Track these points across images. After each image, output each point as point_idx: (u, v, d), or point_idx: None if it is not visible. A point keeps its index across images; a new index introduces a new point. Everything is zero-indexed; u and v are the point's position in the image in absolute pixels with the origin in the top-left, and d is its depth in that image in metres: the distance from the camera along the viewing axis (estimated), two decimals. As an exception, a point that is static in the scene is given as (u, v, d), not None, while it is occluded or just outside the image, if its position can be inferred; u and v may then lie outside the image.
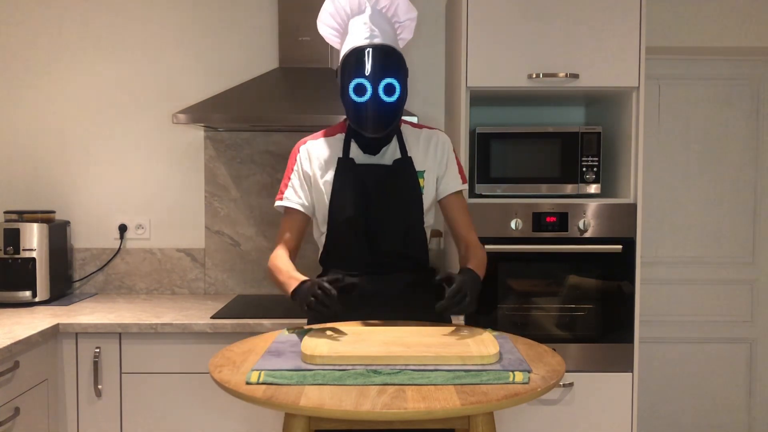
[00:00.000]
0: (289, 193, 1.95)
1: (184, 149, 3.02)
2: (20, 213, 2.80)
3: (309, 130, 2.89)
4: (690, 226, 3.20)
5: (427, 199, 1.94)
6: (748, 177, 3.19)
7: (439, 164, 1.95)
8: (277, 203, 1.96)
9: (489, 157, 2.58)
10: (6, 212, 2.83)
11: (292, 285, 1.75)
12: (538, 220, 2.46)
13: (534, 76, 2.43)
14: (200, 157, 3.01)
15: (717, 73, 3.16)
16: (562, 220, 2.46)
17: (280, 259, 1.88)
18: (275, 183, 3.00)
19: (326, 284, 1.64)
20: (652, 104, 3.16)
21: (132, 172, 3.02)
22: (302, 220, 1.96)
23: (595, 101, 2.85)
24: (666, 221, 3.20)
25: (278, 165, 3.00)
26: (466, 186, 2.00)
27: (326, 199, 1.90)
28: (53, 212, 2.91)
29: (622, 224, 2.47)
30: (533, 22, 2.43)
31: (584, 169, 2.57)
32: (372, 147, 1.90)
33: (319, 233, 1.98)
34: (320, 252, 2.00)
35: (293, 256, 1.94)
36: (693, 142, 3.18)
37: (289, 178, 1.95)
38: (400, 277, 1.92)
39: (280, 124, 2.71)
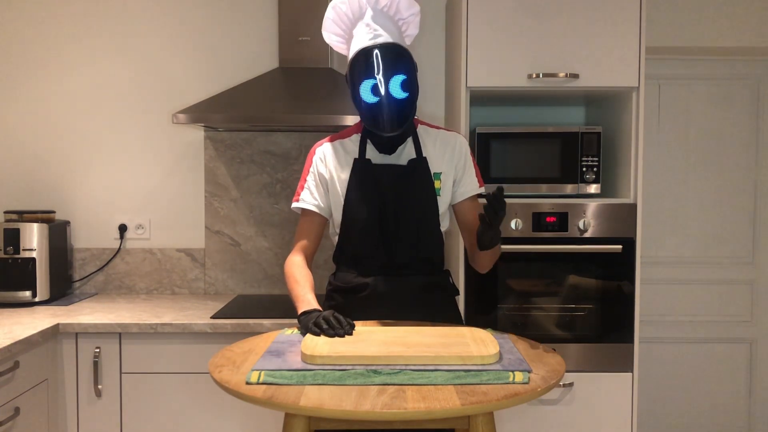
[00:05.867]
0: (305, 194, 1.95)
1: (184, 149, 3.02)
2: (20, 213, 2.80)
3: (309, 130, 2.92)
4: (690, 226, 3.20)
5: (443, 201, 1.94)
6: (748, 177, 3.19)
7: (456, 167, 1.95)
8: (294, 205, 1.97)
9: (489, 157, 2.58)
10: (6, 212, 2.83)
11: (302, 307, 1.78)
12: (538, 220, 2.46)
13: (534, 76, 2.43)
14: (200, 157, 3.01)
15: (717, 73, 3.16)
16: (562, 220, 2.46)
17: (298, 270, 1.90)
18: (275, 183, 3.00)
19: (339, 316, 1.70)
20: (652, 104, 3.16)
21: (132, 172, 3.02)
22: (319, 222, 1.97)
23: (595, 101, 2.85)
24: (666, 221, 3.20)
25: (278, 165, 3.00)
26: (483, 189, 2.00)
27: (342, 199, 1.91)
28: (53, 212, 2.91)
29: (622, 224, 2.47)
30: (533, 22, 2.43)
31: (584, 169, 2.57)
32: (388, 146, 1.90)
33: (334, 232, 1.98)
34: (334, 250, 2.00)
35: (310, 260, 1.96)
36: (693, 142, 3.18)
37: (306, 180, 1.96)
38: (415, 278, 1.91)
39: (280, 124, 2.72)
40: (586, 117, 3.03)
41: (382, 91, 1.79)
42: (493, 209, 1.69)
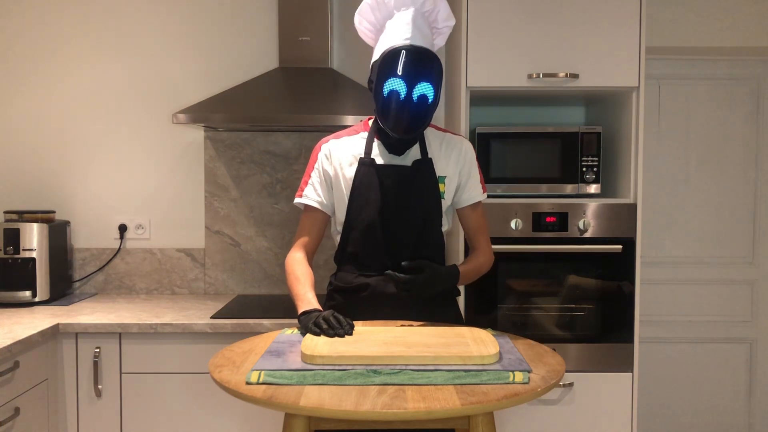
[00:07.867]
0: (308, 190, 1.95)
1: (184, 149, 3.02)
2: (20, 213, 2.80)
3: (309, 130, 2.92)
4: (690, 226, 3.20)
5: (446, 203, 1.94)
6: (748, 177, 3.19)
7: (460, 172, 1.95)
8: (297, 200, 1.97)
9: (489, 157, 2.58)
10: (6, 212, 2.83)
11: (302, 306, 1.78)
12: (538, 220, 2.46)
13: (534, 76, 2.43)
14: (200, 157, 3.01)
15: (717, 73, 3.16)
16: (562, 220, 2.46)
17: (299, 266, 1.89)
18: (275, 183, 3.00)
19: (339, 315, 1.70)
20: (652, 104, 3.16)
21: (132, 172, 3.02)
22: (321, 219, 1.97)
23: (595, 101, 2.85)
24: (666, 221, 3.20)
25: (278, 165, 3.00)
26: (485, 196, 2.00)
27: (345, 197, 1.90)
28: (53, 212, 2.91)
29: (622, 224, 2.47)
30: (533, 22, 2.43)
31: (584, 169, 2.57)
32: (397, 147, 1.90)
33: (336, 231, 1.98)
34: (336, 250, 2.00)
35: (311, 257, 1.96)
36: (693, 142, 3.18)
37: (310, 176, 1.96)
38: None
39: (280, 124, 2.71)
40: (586, 117, 3.03)
41: (406, 93, 1.78)
42: (404, 290, 1.79)
